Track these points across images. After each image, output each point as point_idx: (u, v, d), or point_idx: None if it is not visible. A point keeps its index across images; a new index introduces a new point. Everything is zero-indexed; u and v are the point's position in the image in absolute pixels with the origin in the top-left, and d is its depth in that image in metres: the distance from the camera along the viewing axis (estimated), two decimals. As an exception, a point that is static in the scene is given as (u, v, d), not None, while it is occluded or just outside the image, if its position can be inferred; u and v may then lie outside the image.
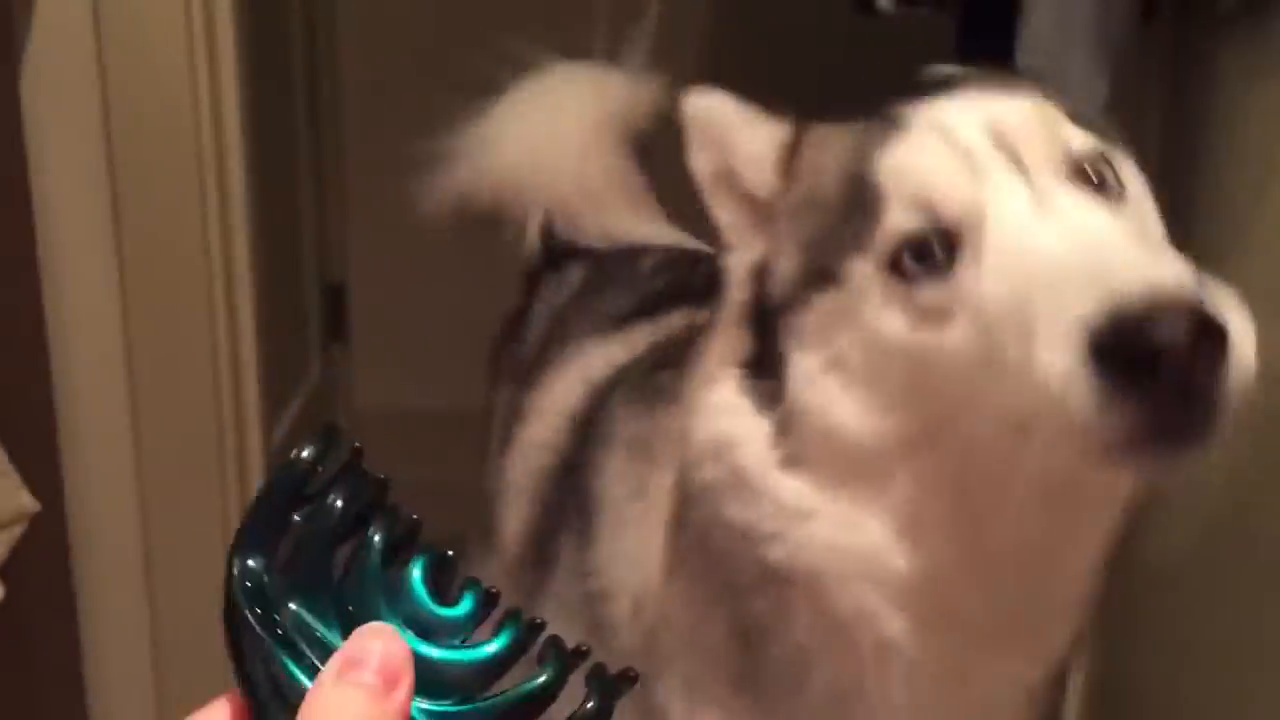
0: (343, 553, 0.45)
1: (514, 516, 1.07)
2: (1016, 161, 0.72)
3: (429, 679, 0.43)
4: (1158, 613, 1.23)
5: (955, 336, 0.71)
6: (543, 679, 0.44)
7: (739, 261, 0.84)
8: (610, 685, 0.45)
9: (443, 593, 0.46)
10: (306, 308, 2.42)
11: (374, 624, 0.43)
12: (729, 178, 0.84)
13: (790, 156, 0.83)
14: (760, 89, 0.85)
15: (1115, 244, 0.68)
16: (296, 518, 0.45)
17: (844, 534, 0.76)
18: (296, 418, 2.25)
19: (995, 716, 0.83)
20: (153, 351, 1.57)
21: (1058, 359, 0.64)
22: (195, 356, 1.58)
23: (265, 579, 0.44)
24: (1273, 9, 1.01)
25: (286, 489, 0.45)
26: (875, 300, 0.74)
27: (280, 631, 0.43)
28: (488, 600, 0.46)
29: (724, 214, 0.85)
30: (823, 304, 0.77)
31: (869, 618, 0.77)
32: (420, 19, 2.45)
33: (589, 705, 0.44)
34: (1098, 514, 0.77)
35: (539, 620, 0.45)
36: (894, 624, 0.77)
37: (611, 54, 1.41)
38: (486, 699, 0.44)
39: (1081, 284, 0.64)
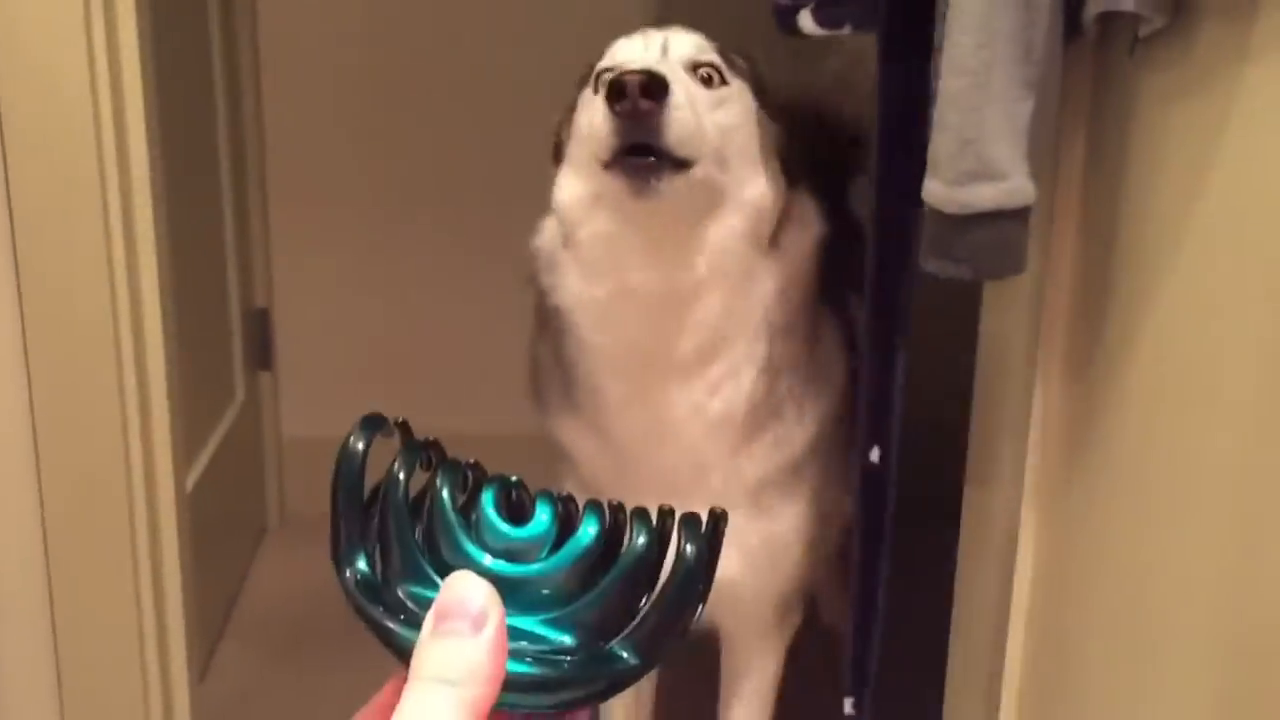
0: (420, 521, 0.49)
1: None
2: (665, 53, 1.29)
3: (537, 595, 0.46)
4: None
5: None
6: (640, 542, 0.47)
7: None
8: (704, 529, 0.47)
9: (521, 515, 0.48)
10: (229, 334, 2.36)
11: (454, 574, 0.46)
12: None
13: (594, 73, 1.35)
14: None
15: (666, 73, 1.20)
16: (373, 508, 0.49)
17: (572, 278, 1.31)
18: (220, 446, 2.20)
19: (685, 431, 1.32)
20: (54, 380, 1.52)
21: (598, 103, 1.21)
22: (99, 382, 1.52)
23: (371, 574, 0.48)
24: (1191, 33, 0.99)
25: (351, 484, 0.49)
26: (584, 109, 1.30)
27: (403, 614, 0.47)
28: (564, 504, 0.49)
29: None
30: (570, 125, 1.35)
31: (588, 332, 1.31)
32: (343, 42, 2.42)
33: (688, 551, 0.46)
34: (709, 268, 1.27)
35: (615, 501, 0.48)
36: (598, 336, 1.31)
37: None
38: (596, 587, 0.46)
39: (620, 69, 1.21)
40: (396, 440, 0.51)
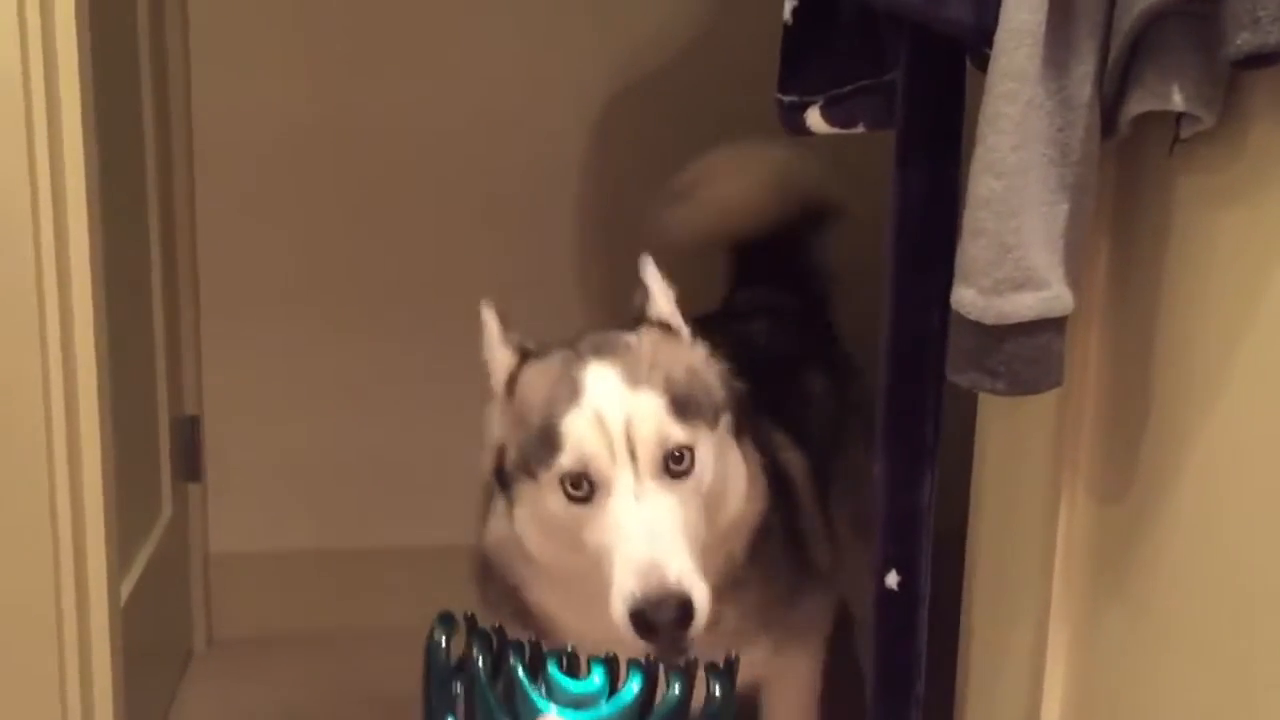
0: (498, 688, 0.60)
1: None
2: (633, 453, 1.30)
3: None
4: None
5: (589, 536, 1.29)
6: (676, 690, 0.61)
7: (492, 436, 1.44)
8: (722, 674, 0.60)
9: (577, 675, 0.61)
10: (156, 443, 2.22)
11: (542, 716, 0.59)
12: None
13: (512, 381, 1.43)
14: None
15: (664, 538, 1.26)
16: (456, 686, 0.60)
17: (553, 605, 1.37)
18: (146, 564, 2.04)
19: None
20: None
21: (619, 608, 1.17)
22: (31, 494, 1.41)
23: None
24: (1241, 133, 0.94)
25: (440, 670, 0.60)
26: (552, 496, 1.34)
27: None
28: (612, 664, 0.61)
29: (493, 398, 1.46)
30: (529, 486, 1.37)
31: (559, 634, 1.28)
32: (280, 142, 2.33)
33: (716, 692, 0.60)
34: None
35: (651, 657, 0.56)
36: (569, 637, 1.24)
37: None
38: None
39: (636, 570, 1.21)
40: (463, 629, 0.62)
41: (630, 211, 2.32)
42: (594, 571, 1.26)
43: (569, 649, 0.63)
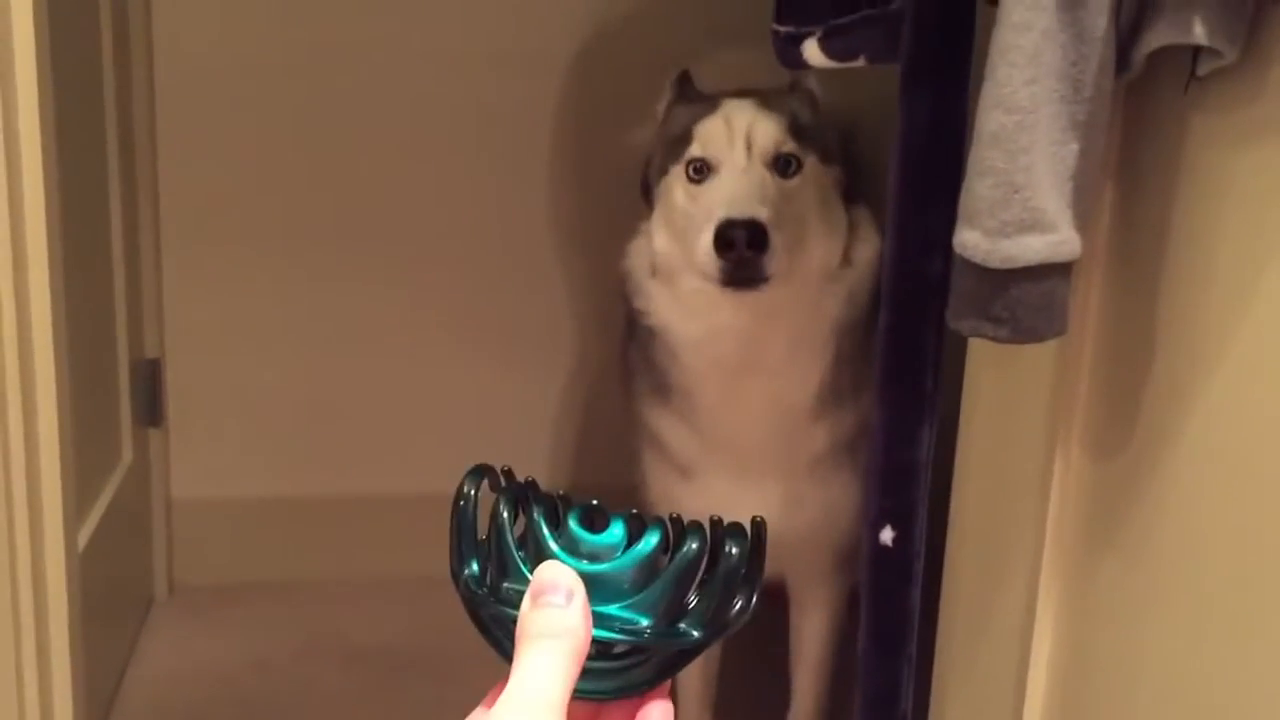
0: (525, 545, 0.61)
1: None
2: (749, 147, 1.51)
3: (613, 588, 0.59)
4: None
5: (699, 208, 1.50)
6: (693, 546, 0.59)
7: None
8: (744, 532, 0.60)
9: (599, 528, 0.61)
10: (115, 387, 2.15)
11: (544, 563, 0.59)
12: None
13: (668, 111, 1.66)
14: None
15: (751, 195, 1.46)
16: (481, 535, 0.62)
17: (667, 312, 1.57)
18: (105, 511, 1.98)
19: (762, 419, 1.57)
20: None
21: (707, 235, 1.44)
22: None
23: (483, 577, 0.61)
24: (1261, 70, 0.90)
25: (467, 521, 0.62)
26: (678, 185, 1.55)
27: (506, 602, 0.60)
28: (632, 519, 0.61)
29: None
30: (662, 184, 1.59)
31: (684, 355, 1.56)
32: (243, 68, 2.25)
33: (732, 551, 0.59)
34: (789, 306, 1.52)
35: (674, 515, 0.61)
36: (693, 358, 1.56)
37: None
38: (658, 580, 0.59)
39: (726, 204, 1.45)
40: (502, 482, 0.63)
41: (609, 141, 2.26)
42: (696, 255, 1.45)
43: (593, 502, 0.62)
